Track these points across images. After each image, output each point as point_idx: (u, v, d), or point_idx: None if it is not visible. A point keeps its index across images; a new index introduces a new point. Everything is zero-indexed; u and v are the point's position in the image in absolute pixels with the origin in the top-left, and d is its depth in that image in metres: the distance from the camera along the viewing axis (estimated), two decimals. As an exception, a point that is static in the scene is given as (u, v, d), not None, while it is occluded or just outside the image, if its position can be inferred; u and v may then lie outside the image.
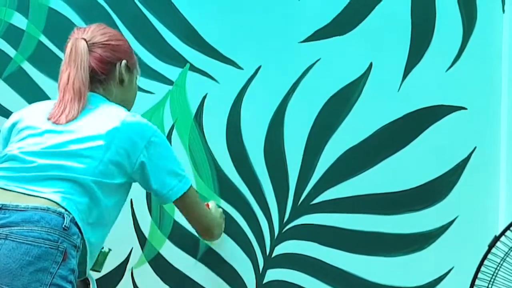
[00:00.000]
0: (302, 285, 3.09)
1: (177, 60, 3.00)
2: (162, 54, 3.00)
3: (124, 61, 2.41)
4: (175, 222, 3.03)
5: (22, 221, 2.03)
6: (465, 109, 3.14)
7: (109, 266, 3.01)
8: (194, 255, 3.06)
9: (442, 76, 3.13)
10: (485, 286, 2.74)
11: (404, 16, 3.10)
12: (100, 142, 2.19)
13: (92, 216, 2.20)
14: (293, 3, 3.06)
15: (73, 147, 2.18)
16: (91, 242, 2.22)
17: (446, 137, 3.13)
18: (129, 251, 3.03)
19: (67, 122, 2.22)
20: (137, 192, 3.00)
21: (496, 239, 2.74)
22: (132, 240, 3.02)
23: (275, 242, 3.09)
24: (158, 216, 3.02)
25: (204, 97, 3.04)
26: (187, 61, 3.02)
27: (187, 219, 2.60)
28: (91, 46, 2.35)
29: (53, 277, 2.03)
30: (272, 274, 3.10)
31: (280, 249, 3.09)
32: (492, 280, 2.74)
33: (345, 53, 3.08)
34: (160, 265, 3.04)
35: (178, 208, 2.52)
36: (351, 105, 3.09)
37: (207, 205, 2.88)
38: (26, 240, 2.02)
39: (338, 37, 3.08)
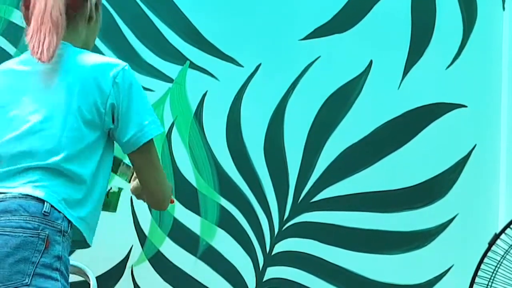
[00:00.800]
0: (302, 282, 3.09)
1: (177, 57, 3.00)
2: (162, 52, 3.00)
3: None
4: (175, 220, 3.03)
5: None
6: (465, 106, 3.14)
7: (109, 263, 3.01)
8: (194, 253, 3.06)
9: (442, 74, 3.13)
10: (485, 284, 2.74)
11: (404, 13, 3.10)
12: (59, 108, 2.00)
13: (75, 193, 2.09)
14: (293, 1, 3.06)
15: (33, 119, 2.00)
16: (82, 218, 2.10)
17: (446, 134, 3.14)
18: (129, 248, 3.03)
19: (50, 58, 2.02)
20: (137, 190, 3.01)
21: (496, 237, 2.75)
22: (132, 238, 3.02)
23: (275, 240, 3.09)
24: (158, 213, 3.02)
25: (204, 95, 3.04)
26: (187, 59, 3.02)
27: (144, 180, 2.11)
28: None
29: (36, 267, 1.96)
30: (272, 272, 3.10)
31: (280, 247, 3.09)
32: (492, 277, 2.74)
33: (345, 51, 3.08)
34: (160, 263, 3.04)
35: (137, 162, 2.07)
36: (351, 103, 3.10)
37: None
38: (4, 232, 1.96)
39: (338, 34, 3.08)
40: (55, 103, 1.98)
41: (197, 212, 3.04)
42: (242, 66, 3.05)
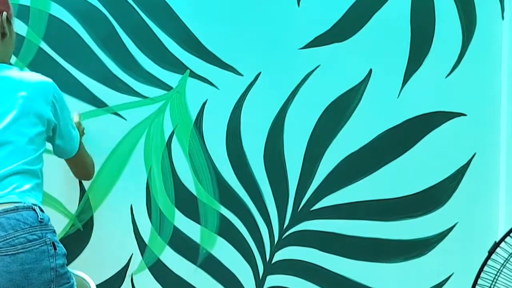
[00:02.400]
0: (302, 291, 3.09)
1: (177, 66, 3.01)
2: (162, 61, 3.01)
3: (5, 13, 2.25)
4: (175, 228, 3.04)
5: (1, 230, 2.03)
6: (465, 115, 3.15)
7: (109, 272, 3.01)
8: (194, 261, 3.06)
9: (441, 83, 3.13)
10: (485, 292, 2.75)
11: (404, 22, 3.11)
12: (12, 117, 2.14)
13: (40, 190, 2.21)
14: (293, 10, 3.07)
15: None
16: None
17: (445, 143, 3.14)
18: (129, 257, 3.03)
19: None
20: (137, 198, 3.02)
21: (496, 245, 2.75)
22: (132, 246, 3.03)
23: (275, 248, 3.09)
24: (158, 222, 3.03)
25: (204, 103, 3.05)
26: (187, 68, 3.03)
27: (76, 167, 2.63)
28: None
29: (56, 271, 2.06)
30: (272, 280, 3.10)
31: (280, 255, 3.10)
32: (492, 286, 2.74)
33: (344, 60, 3.09)
34: (160, 271, 3.04)
35: (73, 159, 2.51)
36: (350, 112, 3.10)
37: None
38: (17, 250, 2.02)
39: (337, 43, 3.09)
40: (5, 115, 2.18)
41: (197, 221, 3.05)
42: (242, 75, 3.06)
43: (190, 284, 3.06)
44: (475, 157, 3.15)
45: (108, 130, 2.96)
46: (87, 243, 2.99)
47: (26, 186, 2.12)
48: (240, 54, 3.05)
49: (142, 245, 3.03)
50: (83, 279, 2.48)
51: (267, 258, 3.09)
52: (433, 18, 3.12)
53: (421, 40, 3.12)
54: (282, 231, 3.09)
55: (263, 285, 3.09)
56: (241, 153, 3.06)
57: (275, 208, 3.07)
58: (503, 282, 2.76)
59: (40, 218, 2.08)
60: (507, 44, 3.14)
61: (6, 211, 2.05)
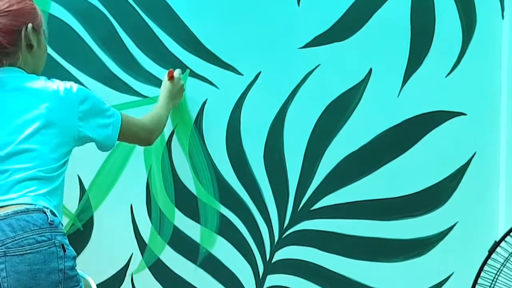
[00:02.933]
0: (302, 290, 3.09)
1: (177, 65, 3.01)
2: (162, 60, 3.01)
3: (30, 25, 2.23)
4: (175, 227, 3.04)
5: (10, 231, 2.04)
6: (465, 114, 3.15)
7: (109, 272, 3.02)
8: (194, 261, 3.06)
9: (441, 82, 3.13)
10: (485, 292, 2.75)
11: (404, 22, 3.11)
12: (37, 126, 2.14)
13: (57, 195, 2.21)
14: (292, 9, 3.07)
15: (13, 146, 2.12)
16: (59, 211, 2.24)
17: (445, 142, 3.14)
18: (129, 256, 3.03)
19: None
20: (137, 197, 3.02)
21: (496, 244, 2.75)
22: (132, 246, 3.03)
23: (275, 248, 3.09)
24: (158, 221, 3.03)
25: (204, 103, 3.05)
26: (187, 67, 3.03)
27: (129, 141, 2.61)
28: None
29: (64, 273, 2.07)
30: (272, 280, 3.10)
31: (280, 254, 3.10)
32: (492, 285, 2.74)
33: (344, 59, 3.09)
34: (160, 271, 3.04)
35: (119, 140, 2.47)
36: (350, 111, 3.10)
37: (171, 76, 2.91)
38: (25, 250, 2.04)
39: (337, 43, 3.09)
40: (29, 124, 2.17)
41: (197, 220, 3.05)
42: (242, 74, 3.06)
43: (190, 284, 3.06)
44: (475, 156, 3.15)
45: (108, 129, 2.95)
46: (87, 243, 2.99)
47: (41, 191, 2.14)
48: (240, 54, 3.05)
49: (142, 244, 3.03)
50: (84, 278, 2.48)
51: (267, 258, 3.09)
52: (433, 18, 3.12)
53: (421, 40, 3.12)
54: (282, 230, 3.09)
55: (263, 285, 3.09)
56: (241, 152, 3.06)
57: (275, 207, 3.07)
58: (503, 282, 2.76)
59: (50, 221, 2.09)
60: (507, 43, 3.14)
61: (17, 212, 2.07)
